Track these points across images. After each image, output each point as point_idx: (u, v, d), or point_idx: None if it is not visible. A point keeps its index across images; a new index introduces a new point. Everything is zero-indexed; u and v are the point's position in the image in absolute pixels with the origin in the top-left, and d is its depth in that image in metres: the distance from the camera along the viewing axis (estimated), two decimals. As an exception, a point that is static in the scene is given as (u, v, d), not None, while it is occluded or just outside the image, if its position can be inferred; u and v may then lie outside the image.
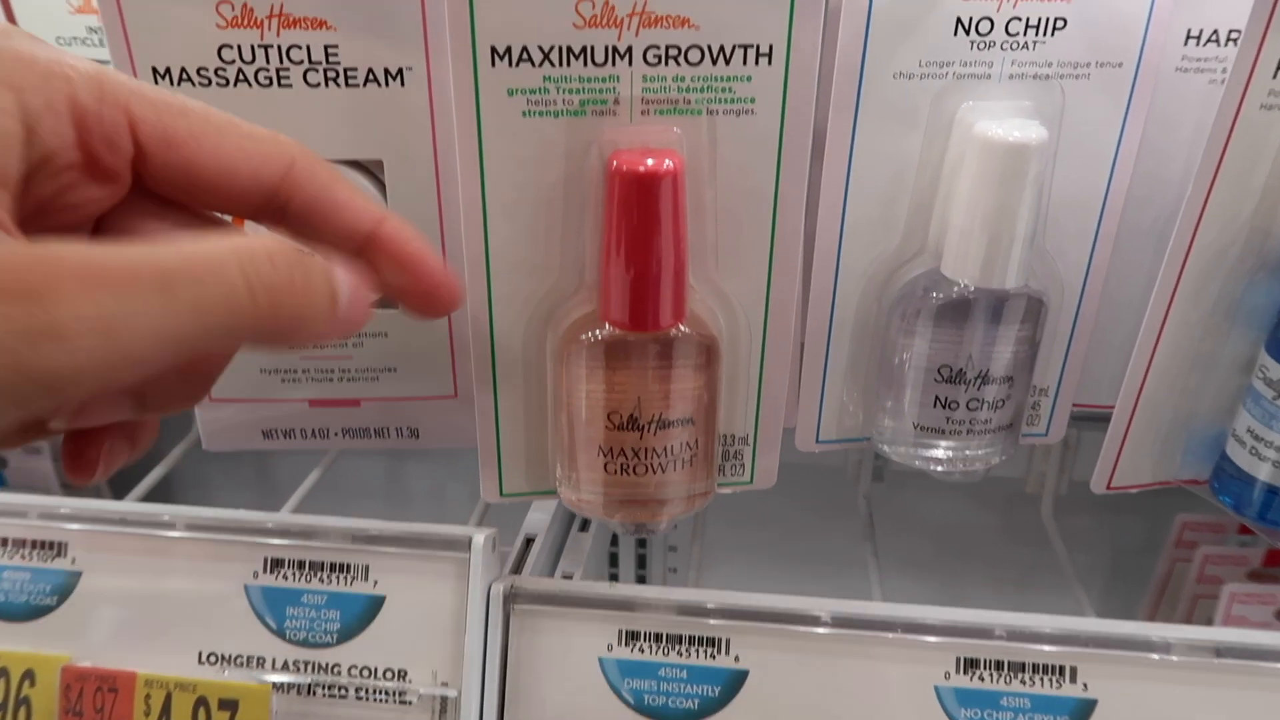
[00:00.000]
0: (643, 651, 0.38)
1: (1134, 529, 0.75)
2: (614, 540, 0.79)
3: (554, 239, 0.36)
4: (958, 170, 0.37)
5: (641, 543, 0.80)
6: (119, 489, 0.75)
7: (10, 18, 0.46)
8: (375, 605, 0.39)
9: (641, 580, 0.79)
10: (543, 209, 0.35)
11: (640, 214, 0.33)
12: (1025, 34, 0.36)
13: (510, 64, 0.33)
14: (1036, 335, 0.40)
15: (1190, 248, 0.36)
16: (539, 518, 0.51)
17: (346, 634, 0.39)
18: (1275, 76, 0.33)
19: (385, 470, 0.86)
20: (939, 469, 0.41)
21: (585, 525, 0.55)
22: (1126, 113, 0.38)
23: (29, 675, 0.40)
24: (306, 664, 0.39)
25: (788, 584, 0.81)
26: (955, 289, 0.38)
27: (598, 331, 0.35)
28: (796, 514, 0.77)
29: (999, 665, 0.37)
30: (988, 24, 0.36)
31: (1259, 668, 0.36)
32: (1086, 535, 0.74)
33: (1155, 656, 0.36)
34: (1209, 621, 0.62)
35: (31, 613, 0.41)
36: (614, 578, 0.78)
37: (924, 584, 0.77)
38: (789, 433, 0.44)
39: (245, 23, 0.36)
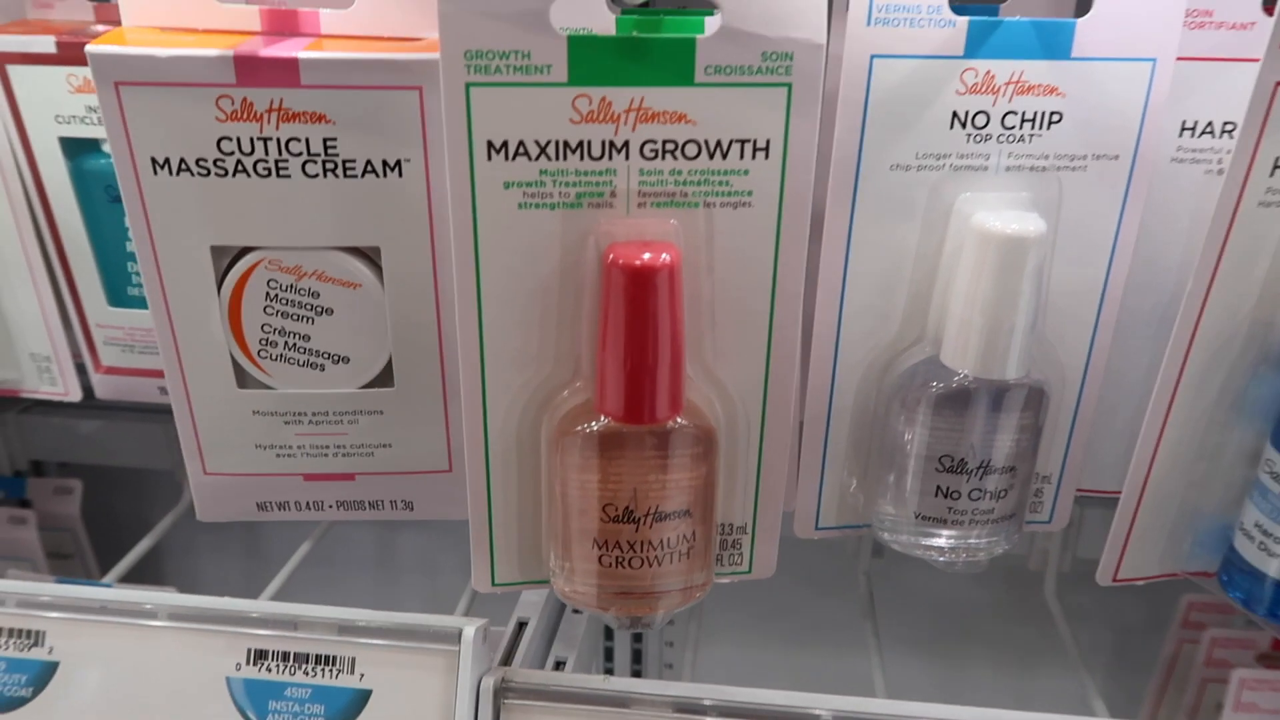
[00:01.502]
0: (638, 751, 0.37)
1: (1139, 608, 0.74)
2: (608, 632, 0.78)
3: (549, 329, 0.35)
4: (956, 260, 0.37)
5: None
6: (107, 557, 0.74)
7: (10, 97, 0.46)
8: (361, 700, 0.38)
9: (637, 658, 0.78)
10: (538, 299, 0.35)
11: (637, 307, 0.33)
12: (1021, 127, 0.36)
13: (506, 158, 0.33)
14: (1038, 424, 0.39)
15: (1192, 341, 0.36)
16: (532, 599, 0.50)
17: (334, 729, 0.38)
18: (1273, 174, 0.33)
19: (377, 540, 0.85)
20: (941, 559, 0.41)
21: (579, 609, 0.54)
22: (1124, 203, 0.38)
23: (3, 771, 0.39)
24: (290, 761, 0.38)
25: (787, 664, 0.80)
26: (955, 379, 0.38)
27: (593, 423, 0.35)
28: (796, 590, 0.76)
29: (1006, 769, 0.36)
30: (984, 117, 0.36)
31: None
32: (1090, 614, 0.73)
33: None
34: (1218, 708, 0.60)
35: (6, 705, 0.40)
36: (609, 656, 0.76)
37: (925, 664, 0.76)
38: (788, 518, 0.43)
39: (245, 116, 0.36)
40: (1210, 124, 0.39)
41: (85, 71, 0.45)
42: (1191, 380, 0.36)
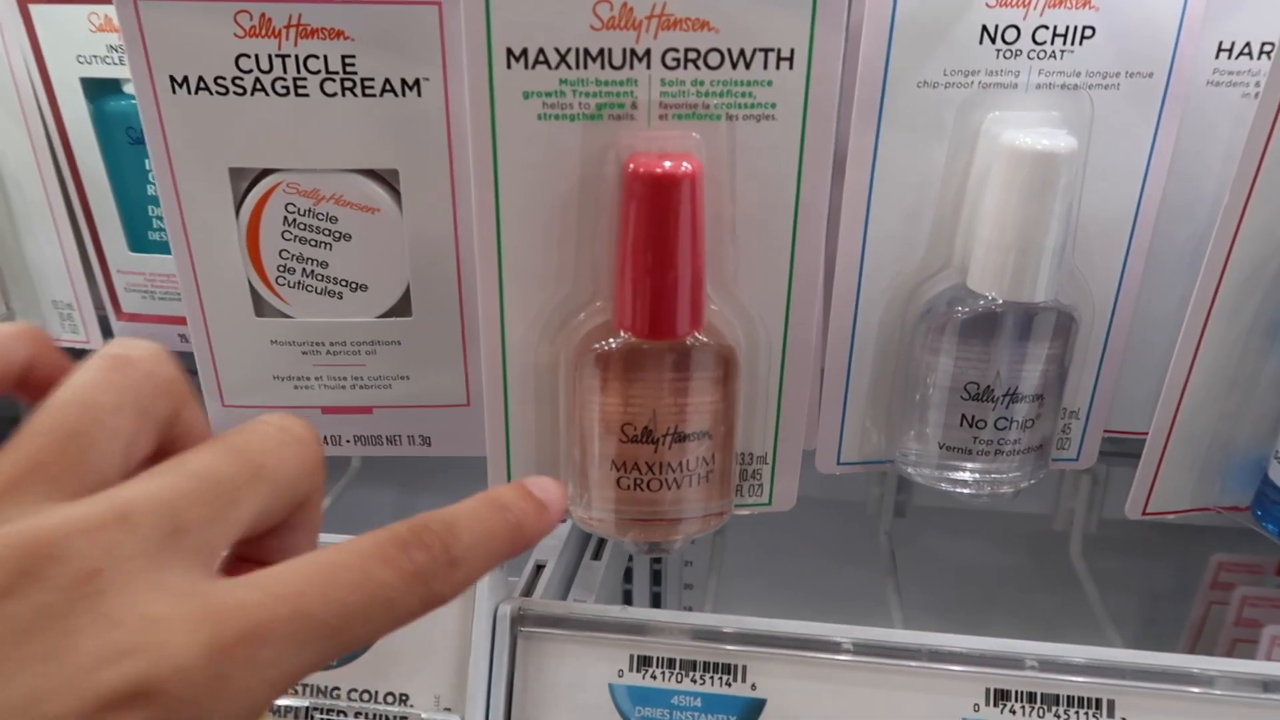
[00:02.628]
0: (655, 678, 0.37)
1: (1166, 570, 0.72)
2: (628, 575, 0.77)
3: (568, 247, 0.35)
4: (984, 182, 0.36)
5: (657, 578, 0.78)
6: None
7: (33, 37, 0.46)
8: (379, 625, 0.38)
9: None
10: (557, 216, 0.34)
11: (658, 217, 0.32)
12: (1053, 42, 0.35)
13: (526, 66, 0.32)
14: (1067, 353, 0.38)
15: (1226, 264, 0.35)
16: (550, 543, 0.50)
17: (347, 656, 0.38)
18: (1313, 84, 0.32)
19: (396, 503, 0.85)
20: (965, 491, 0.40)
21: (598, 553, 0.53)
22: (1158, 124, 0.37)
23: None
24: (305, 687, 0.38)
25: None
26: (982, 302, 0.37)
27: (612, 340, 0.34)
28: (817, 551, 0.75)
29: (1031, 697, 0.35)
30: (1014, 32, 0.35)
31: (1308, 704, 0.34)
32: (1117, 576, 0.71)
33: (1196, 690, 0.34)
34: (1249, 667, 0.59)
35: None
36: (627, 600, 0.76)
37: (947, 625, 0.75)
38: (809, 455, 0.42)
39: (263, 32, 0.36)
40: (1248, 45, 0.38)
41: (106, 10, 0.45)
42: (1225, 304, 0.35)
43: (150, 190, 0.49)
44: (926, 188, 0.38)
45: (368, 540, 0.21)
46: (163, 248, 0.50)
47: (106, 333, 0.53)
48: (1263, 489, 0.38)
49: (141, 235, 0.50)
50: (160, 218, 0.49)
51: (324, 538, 0.38)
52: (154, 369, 0.21)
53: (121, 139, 0.48)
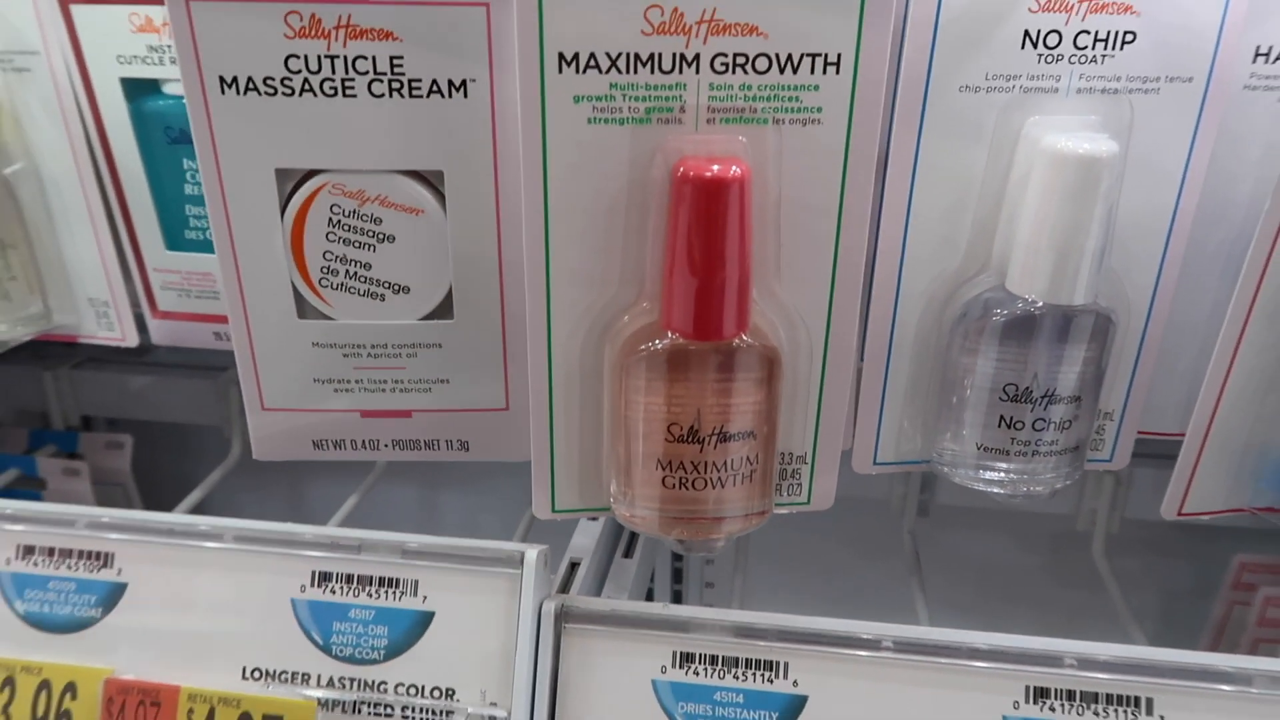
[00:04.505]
0: (698, 674, 0.37)
1: (1188, 571, 0.73)
2: (651, 576, 0.78)
3: (615, 249, 0.35)
4: (1024, 185, 0.37)
5: (678, 575, 0.78)
6: (157, 509, 0.75)
7: (74, 37, 0.47)
8: (424, 621, 0.39)
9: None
10: (604, 218, 0.35)
11: (706, 220, 0.33)
12: (1094, 47, 0.36)
13: (577, 70, 0.33)
14: (1104, 355, 0.39)
15: (1266, 267, 0.35)
16: (583, 541, 0.50)
17: (394, 650, 0.39)
18: (1357, 87, 0.32)
19: (420, 500, 0.85)
20: (1000, 491, 0.40)
21: (629, 551, 0.54)
22: (1196, 129, 0.37)
23: (70, 688, 0.40)
24: (352, 681, 0.38)
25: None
26: (1021, 305, 0.37)
27: (659, 341, 0.35)
28: (840, 549, 0.76)
29: (1070, 695, 0.35)
30: (1056, 37, 0.36)
31: (1347, 702, 0.34)
32: (1139, 576, 0.72)
33: (1232, 689, 0.35)
34: (1273, 666, 0.59)
35: (75, 625, 0.41)
36: (650, 598, 0.76)
37: (971, 622, 0.75)
38: (845, 455, 0.43)
39: (313, 33, 0.37)
40: (1289, 50, 0.38)
41: (148, 10, 0.46)
42: (1264, 307, 0.36)
43: (188, 189, 0.49)
44: (967, 190, 0.38)
45: None
46: (199, 246, 0.50)
47: (142, 330, 0.54)
48: (1299, 490, 0.39)
49: (178, 234, 0.51)
50: (198, 216, 0.50)
51: (349, 533, 0.39)
52: None
53: (160, 138, 0.48)
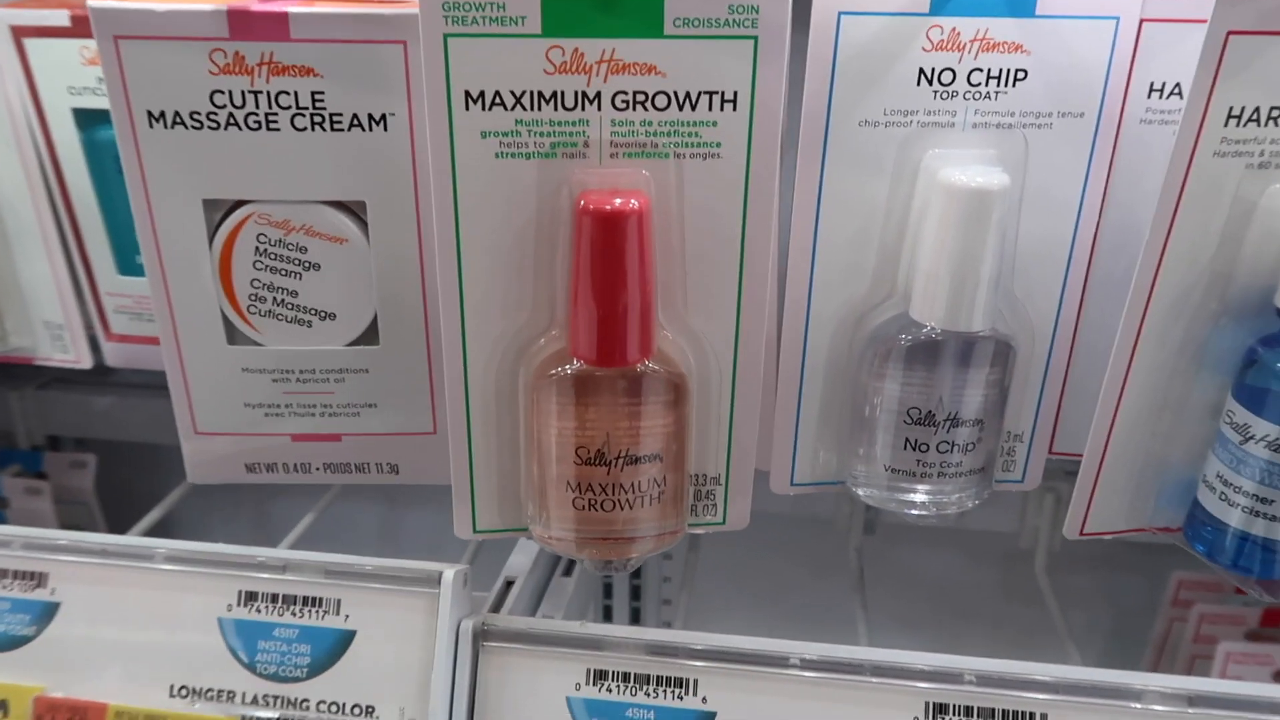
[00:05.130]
0: (610, 691, 0.38)
1: (1134, 588, 0.74)
2: (608, 590, 0.79)
3: (526, 278, 0.37)
4: (924, 216, 0.38)
5: (636, 593, 0.79)
6: (119, 530, 0.76)
7: (27, 69, 0.48)
8: (346, 640, 0.40)
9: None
10: (515, 249, 0.36)
11: (607, 251, 0.34)
12: (987, 84, 0.37)
13: (484, 108, 0.34)
14: (1006, 379, 0.40)
15: (1152, 292, 0.36)
16: (520, 560, 0.51)
17: (316, 668, 0.39)
18: (1227, 125, 0.34)
19: (380, 519, 0.86)
20: (912, 512, 0.41)
21: (569, 570, 0.55)
22: (1090, 162, 0.39)
23: (2, 705, 0.40)
24: (276, 698, 0.39)
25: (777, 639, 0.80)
26: (924, 331, 0.38)
27: (567, 367, 0.36)
28: (788, 567, 0.77)
29: (968, 711, 0.36)
30: (950, 74, 0.37)
31: (1234, 718, 0.35)
32: (1081, 593, 0.73)
33: (1126, 705, 0.36)
34: (1205, 682, 0.60)
35: (9, 643, 0.42)
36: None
37: (913, 640, 0.76)
38: (765, 476, 0.44)
39: (237, 70, 0.38)
40: (1179, 85, 0.39)
41: (95, 44, 0.47)
42: (1152, 331, 0.37)
43: (139, 216, 0.51)
44: (871, 220, 0.39)
45: None
46: (149, 271, 0.51)
47: (96, 353, 0.55)
48: (1193, 511, 0.40)
49: (129, 259, 0.52)
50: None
51: (274, 553, 0.40)
52: None
53: (111, 167, 0.50)
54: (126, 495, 0.83)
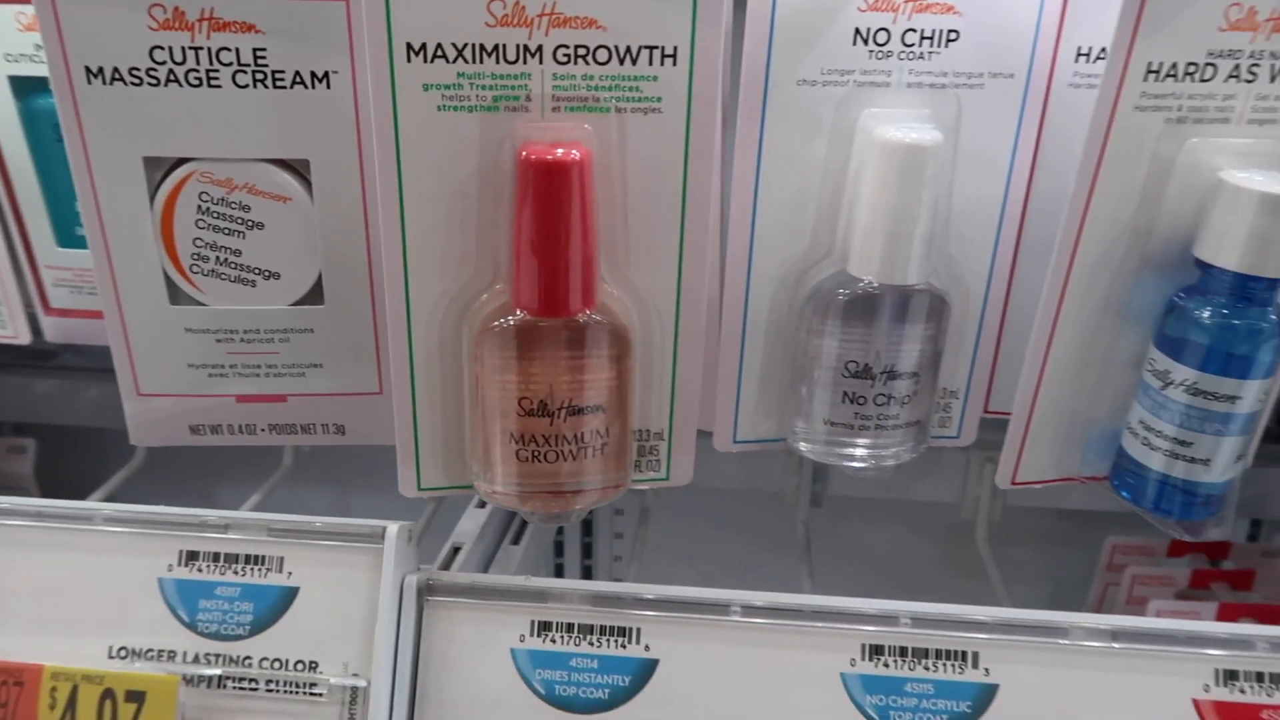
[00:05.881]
0: (554, 642, 0.39)
1: (1073, 559, 0.76)
2: (559, 549, 0.79)
3: (469, 232, 0.37)
4: (860, 173, 0.39)
5: (588, 550, 0.80)
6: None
7: (-39, 33, 0.47)
8: (289, 597, 0.40)
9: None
10: (458, 203, 0.36)
11: (548, 202, 0.34)
12: (920, 44, 0.38)
13: (425, 60, 0.34)
14: (940, 334, 0.41)
15: (1076, 249, 0.38)
16: (467, 527, 0.51)
17: (259, 626, 0.39)
18: (1146, 79, 0.35)
19: (333, 505, 0.85)
20: (853, 465, 0.42)
21: (517, 538, 0.55)
22: (1020, 123, 0.40)
23: (-64, 672, 0.40)
24: (217, 656, 0.39)
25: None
26: (860, 285, 0.39)
27: (510, 318, 0.36)
28: (736, 539, 0.78)
29: (903, 651, 0.37)
30: (885, 34, 0.38)
31: (1152, 652, 0.37)
32: (1022, 561, 0.75)
33: (1054, 641, 0.37)
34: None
35: (-57, 608, 0.41)
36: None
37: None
38: (711, 452, 0.44)
39: (176, 25, 0.38)
40: (1104, 50, 0.41)
41: (33, 9, 0.46)
42: (1077, 286, 0.38)
43: (77, 186, 0.50)
44: (810, 179, 0.40)
45: None
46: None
47: (35, 328, 0.54)
48: (1119, 459, 0.41)
49: (69, 231, 0.51)
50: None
51: (216, 513, 0.40)
52: None
53: (49, 136, 0.49)
54: (68, 481, 0.81)
